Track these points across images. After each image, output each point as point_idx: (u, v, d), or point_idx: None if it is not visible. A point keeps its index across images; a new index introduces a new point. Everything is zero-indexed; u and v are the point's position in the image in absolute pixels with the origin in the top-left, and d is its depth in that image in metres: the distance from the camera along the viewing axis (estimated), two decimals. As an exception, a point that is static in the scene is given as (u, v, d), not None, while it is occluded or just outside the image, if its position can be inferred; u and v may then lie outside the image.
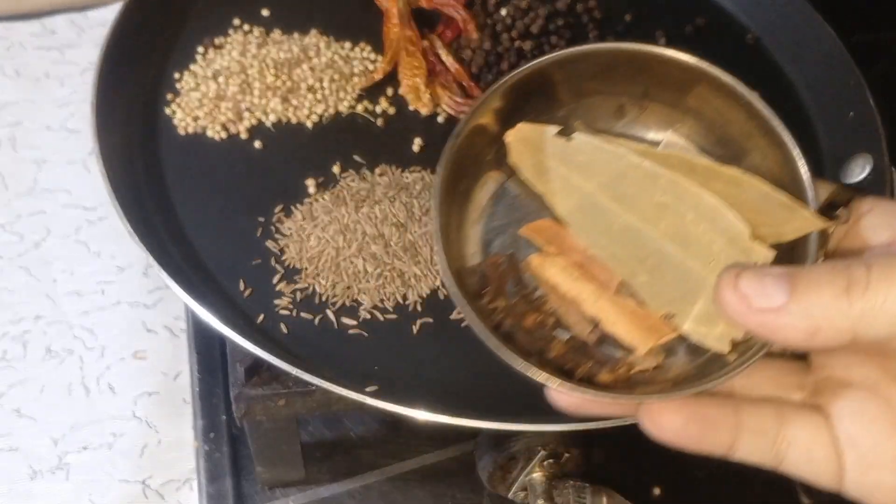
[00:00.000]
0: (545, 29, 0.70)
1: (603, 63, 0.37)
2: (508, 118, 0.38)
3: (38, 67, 0.85)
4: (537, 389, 0.34)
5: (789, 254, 0.35)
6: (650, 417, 0.33)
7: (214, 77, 0.64)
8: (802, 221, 0.34)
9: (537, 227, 0.38)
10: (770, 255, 0.35)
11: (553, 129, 0.37)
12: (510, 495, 0.59)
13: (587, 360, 0.35)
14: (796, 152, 0.35)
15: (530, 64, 0.37)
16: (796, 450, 0.34)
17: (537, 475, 0.56)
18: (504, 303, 0.36)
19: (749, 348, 0.34)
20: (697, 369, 0.35)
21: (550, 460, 0.55)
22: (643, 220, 0.36)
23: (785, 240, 0.35)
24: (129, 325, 0.70)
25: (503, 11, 0.71)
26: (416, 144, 0.63)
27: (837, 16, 0.69)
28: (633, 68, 0.37)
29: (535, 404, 0.51)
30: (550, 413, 0.48)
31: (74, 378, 0.67)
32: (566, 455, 0.55)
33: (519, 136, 0.37)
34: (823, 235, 0.34)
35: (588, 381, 0.34)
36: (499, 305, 0.36)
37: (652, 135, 0.39)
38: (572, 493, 0.56)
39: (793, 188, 0.35)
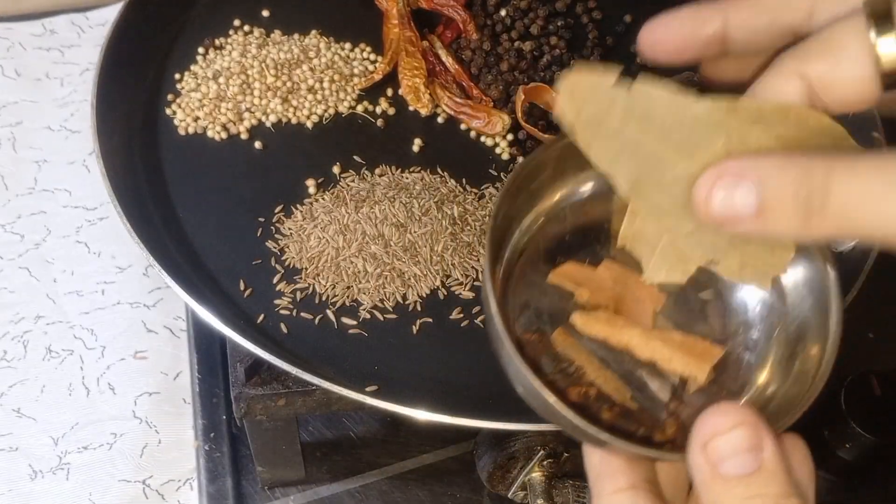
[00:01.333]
0: (545, 29, 0.70)
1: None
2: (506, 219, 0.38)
3: (38, 67, 0.85)
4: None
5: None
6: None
7: (215, 78, 0.64)
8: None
9: (565, 271, 0.37)
10: None
11: (611, 78, 0.33)
12: (510, 495, 0.59)
13: (638, 426, 0.35)
14: None
15: (531, 156, 0.37)
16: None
17: (537, 475, 0.56)
18: (544, 380, 0.35)
19: None
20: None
21: (550, 460, 0.56)
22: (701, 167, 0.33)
23: None
24: (129, 325, 0.70)
25: (503, 12, 0.71)
26: (416, 145, 0.63)
27: (837, 16, 0.69)
28: None
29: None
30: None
31: (75, 378, 0.67)
32: (566, 455, 0.56)
33: (569, 87, 0.33)
34: None
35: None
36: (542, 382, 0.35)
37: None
38: (572, 492, 0.56)
39: None
